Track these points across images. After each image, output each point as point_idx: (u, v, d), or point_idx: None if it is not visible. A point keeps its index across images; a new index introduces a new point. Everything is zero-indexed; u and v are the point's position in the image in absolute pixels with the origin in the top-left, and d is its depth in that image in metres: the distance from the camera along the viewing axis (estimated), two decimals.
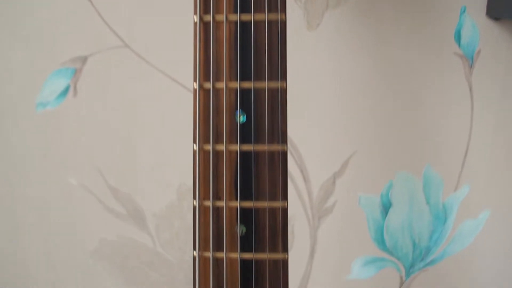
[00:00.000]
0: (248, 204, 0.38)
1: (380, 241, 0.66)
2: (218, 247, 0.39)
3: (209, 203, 0.38)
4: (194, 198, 0.38)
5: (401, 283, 0.68)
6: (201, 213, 0.39)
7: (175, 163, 0.64)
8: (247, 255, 0.39)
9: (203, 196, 0.38)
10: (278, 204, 0.38)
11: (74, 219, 0.67)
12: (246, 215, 0.38)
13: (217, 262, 0.39)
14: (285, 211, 0.39)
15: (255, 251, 0.39)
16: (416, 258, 0.67)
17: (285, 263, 0.40)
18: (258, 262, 0.39)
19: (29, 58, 0.62)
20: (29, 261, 0.70)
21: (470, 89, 0.61)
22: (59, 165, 0.65)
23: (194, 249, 0.39)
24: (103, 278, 0.70)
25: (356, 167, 0.63)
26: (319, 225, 0.66)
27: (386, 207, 0.64)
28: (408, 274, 0.68)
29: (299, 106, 0.61)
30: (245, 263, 0.39)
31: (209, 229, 0.39)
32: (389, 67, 0.61)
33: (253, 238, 0.39)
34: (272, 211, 0.39)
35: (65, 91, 0.62)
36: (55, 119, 0.63)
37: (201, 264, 0.39)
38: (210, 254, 0.39)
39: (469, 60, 0.60)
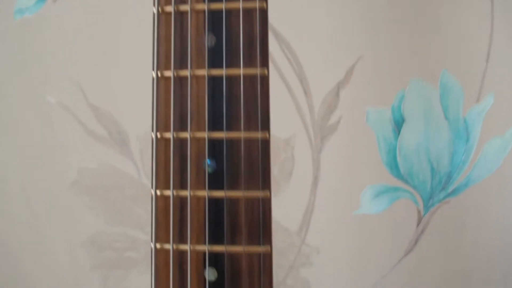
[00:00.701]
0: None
1: (393, 166, 0.58)
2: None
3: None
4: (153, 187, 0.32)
5: (419, 219, 0.59)
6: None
7: None
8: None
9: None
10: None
11: (52, 144, 0.61)
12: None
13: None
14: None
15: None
16: (435, 187, 0.58)
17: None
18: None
19: None
20: (3, 196, 0.64)
21: None
22: (37, 81, 0.59)
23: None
24: (83, 216, 0.63)
25: (363, 75, 0.55)
26: (323, 147, 0.58)
27: (398, 124, 0.57)
28: (427, 207, 0.59)
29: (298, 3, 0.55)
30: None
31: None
32: None
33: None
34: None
35: None
36: (33, 29, 0.58)
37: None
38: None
39: None
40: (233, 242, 0.30)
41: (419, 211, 0.59)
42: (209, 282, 0.30)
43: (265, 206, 0.30)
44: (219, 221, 0.30)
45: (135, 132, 0.60)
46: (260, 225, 0.30)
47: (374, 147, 0.58)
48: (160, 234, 0.31)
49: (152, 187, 0.32)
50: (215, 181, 0.31)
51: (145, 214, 0.62)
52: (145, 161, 0.61)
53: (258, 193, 0.30)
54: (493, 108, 0.55)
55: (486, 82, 0.55)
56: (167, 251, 0.30)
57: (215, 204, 0.30)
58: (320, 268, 0.62)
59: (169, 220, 0.31)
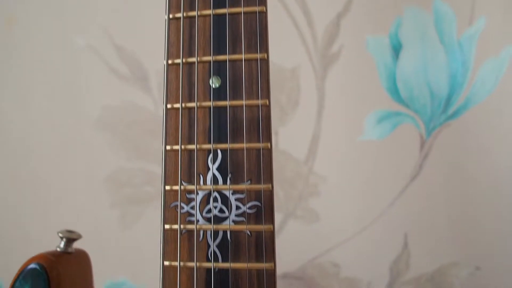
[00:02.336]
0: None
1: (394, 91, 0.61)
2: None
3: None
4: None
5: (422, 143, 0.61)
6: None
7: None
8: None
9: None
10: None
11: (79, 84, 0.67)
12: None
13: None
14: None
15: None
16: (435, 110, 0.61)
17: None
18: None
19: None
20: (32, 135, 0.69)
21: None
22: (68, 26, 0.67)
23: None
24: (105, 153, 0.68)
25: (360, 5, 0.60)
26: (326, 75, 0.62)
27: (396, 49, 0.60)
28: (428, 130, 0.61)
29: None
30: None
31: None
32: None
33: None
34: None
35: None
36: None
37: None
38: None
39: None
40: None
41: (421, 136, 0.61)
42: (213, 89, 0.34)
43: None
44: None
45: (154, 68, 0.65)
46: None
47: (374, 73, 0.61)
48: (172, 50, 0.35)
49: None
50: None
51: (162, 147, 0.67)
52: (162, 95, 0.66)
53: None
54: (486, 30, 0.59)
55: (477, 5, 0.59)
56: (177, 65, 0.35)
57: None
58: (328, 198, 0.64)
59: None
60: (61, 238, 0.40)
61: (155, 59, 0.66)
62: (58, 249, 0.40)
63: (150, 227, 0.68)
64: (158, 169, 0.67)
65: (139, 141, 0.67)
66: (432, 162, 0.61)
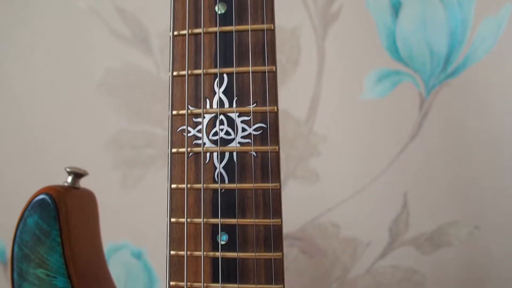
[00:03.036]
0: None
1: (393, 50, 0.62)
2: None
3: None
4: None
5: (421, 102, 0.62)
6: None
7: None
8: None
9: None
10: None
11: (81, 47, 0.68)
12: None
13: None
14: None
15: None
16: (435, 69, 0.62)
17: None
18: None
19: None
20: (33, 97, 0.70)
21: None
22: None
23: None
24: (106, 115, 0.68)
25: None
26: (326, 34, 0.63)
27: (396, 7, 0.61)
28: (428, 89, 0.62)
29: None
30: None
31: None
32: None
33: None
34: None
35: None
36: None
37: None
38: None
39: None
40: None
41: (420, 94, 0.62)
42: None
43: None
44: None
45: (156, 30, 0.66)
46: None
47: (374, 32, 0.62)
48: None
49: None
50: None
51: (163, 109, 0.67)
52: (164, 57, 0.66)
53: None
54: None
55: None
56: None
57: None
58: (328, 158, 0.64)
59: None
60: (69, 173, 0.41)
61: (156, 21, 0.66)
62: (66, 184, 0.41)
63: (152, 189, 0.68)
64: (160, 132, 0.68)
65: (140, 104, 0.68)
66: (432, 121, 0.62)
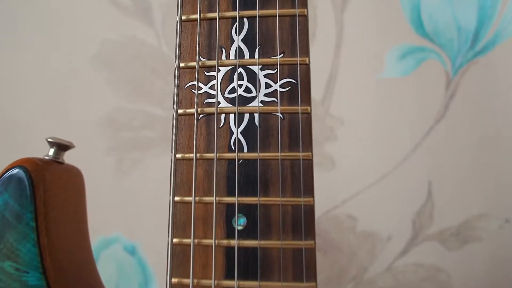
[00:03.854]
0: None
1: (418, 24, 0.56)
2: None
3: None
4: None
5: (448, 82, 0.56)
6: None
7: None
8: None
9: None
10: None
11: (76, 16, 0.61)
12: None
13: None
14: None
15: None
16: (462, 46, 0.56)
17: None
18: None
19: None
20: (24, 71, 0.63)
21: None
22: None
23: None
24: (102, 91, 0.62)
25: None
26: (345, 6, 0.57)
27: None
28: (455, 68, 0.56)
29: None
30: None
31: None
32: None
33: None
34: None
35: None
36: None
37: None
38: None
39: None
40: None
41: (447, 73, 0.56)
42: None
43: None
44: None
45: None
46: None
47: (397, 5, 0.56)
48: None
49: None
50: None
51: (165, 86, 0.61)
52: (166, 29, 0.60)
53: None
54: None
55: None
56: None
57: None
58: (345, 143, 0.58)
59: None
60: (51, 144, 0.34)
61: None
62: (46, 157, 0.34)
63: (149, 176, 0.62)
64: (159, 112, 0.61)
65: (140, 79, 0.61)
66: (459, 102, 0.56)
